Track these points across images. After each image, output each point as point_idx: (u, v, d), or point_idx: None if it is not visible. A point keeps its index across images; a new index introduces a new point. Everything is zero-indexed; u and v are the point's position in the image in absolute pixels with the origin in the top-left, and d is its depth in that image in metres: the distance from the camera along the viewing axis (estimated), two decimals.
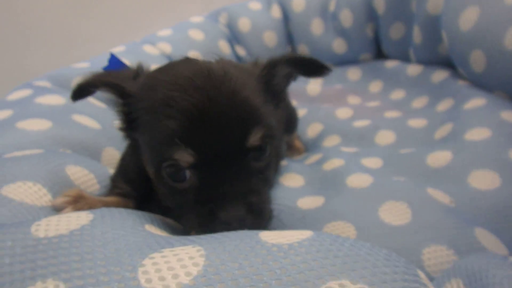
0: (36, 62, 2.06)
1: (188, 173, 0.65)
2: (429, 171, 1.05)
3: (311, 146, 1.47)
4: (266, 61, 0.77)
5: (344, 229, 0.84)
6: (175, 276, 0.41)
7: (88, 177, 0.86)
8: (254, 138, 0.64)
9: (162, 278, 0.41)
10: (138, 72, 0.76)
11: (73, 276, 0.42)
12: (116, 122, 0.78)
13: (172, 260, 0.44)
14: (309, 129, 1.53)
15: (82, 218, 0.54)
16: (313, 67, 0.76)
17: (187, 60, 0.75)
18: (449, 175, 1.01)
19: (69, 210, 0.68)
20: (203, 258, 0.44)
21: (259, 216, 0.66)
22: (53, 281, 0.42)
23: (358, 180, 0.99)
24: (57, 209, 0.68)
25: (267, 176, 0.72)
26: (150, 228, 0.57)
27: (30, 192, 0.66)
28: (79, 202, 0.70)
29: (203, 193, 0.65)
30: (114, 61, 0.87)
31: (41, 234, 0.49)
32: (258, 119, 0.65)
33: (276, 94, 0.79)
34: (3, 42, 2.10)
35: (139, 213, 0.65)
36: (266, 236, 0.50)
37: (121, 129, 0.78)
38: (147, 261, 0.44)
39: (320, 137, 1.47)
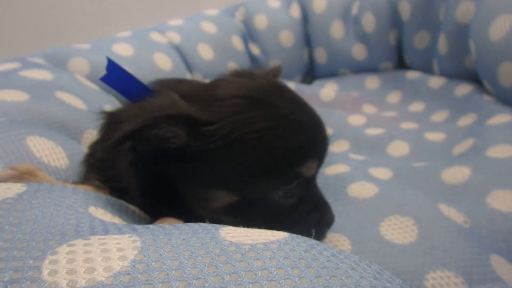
0: (38, 42, 1.98)
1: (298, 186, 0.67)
2: (443, 187, 0.93)
3: None
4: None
5: (338, 242, 0.75)
6: (90, 271, 0.31)
7: (56, 150, 0.77)
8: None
9: (71, 272, 0.31)
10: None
11: None
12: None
13: (94, 250, 0.34)
14: None
15: (11, 190, 0.44)
16: None
17: (237, 80, 0.71)
18: (466, 192, 0.89)
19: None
20: (135, 251, 0.34)
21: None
22: None
23: (361, 189, 0.88)
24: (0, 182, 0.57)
25: None
26: (95, 212, 0.47)
27: None
28: (26, 178, 0.59)
29: (310, 203, 0.69)
30: (112, 68, 0.68)
31: None
32: None
33: None
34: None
35: (94, 194, 0.54)
36: (228, 232, 0.40)
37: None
38: (62, 249, 0.34)
39: None
